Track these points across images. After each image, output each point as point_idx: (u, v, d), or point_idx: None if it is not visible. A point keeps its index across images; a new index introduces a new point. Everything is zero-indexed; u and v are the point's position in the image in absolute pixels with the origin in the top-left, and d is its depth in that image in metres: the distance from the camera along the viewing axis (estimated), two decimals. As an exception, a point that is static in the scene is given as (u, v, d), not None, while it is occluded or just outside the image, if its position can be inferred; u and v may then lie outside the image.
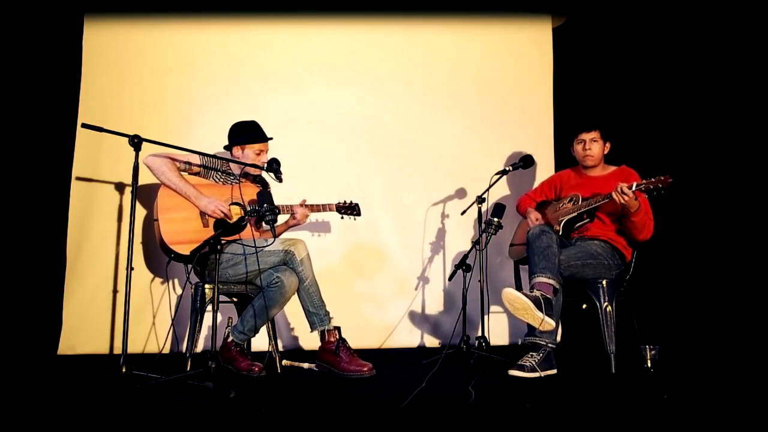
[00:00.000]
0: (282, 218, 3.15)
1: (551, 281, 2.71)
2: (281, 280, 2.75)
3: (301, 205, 3.07)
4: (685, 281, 3.77)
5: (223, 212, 2.85)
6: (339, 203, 3.19)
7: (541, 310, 2.59)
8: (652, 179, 2.68)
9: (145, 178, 2.89)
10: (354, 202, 3.21)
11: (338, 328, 2.84)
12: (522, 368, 2.71)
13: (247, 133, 3.03)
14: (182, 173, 2.94)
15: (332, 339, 2.80)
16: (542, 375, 2.69)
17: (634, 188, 2.72)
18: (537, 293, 2.65)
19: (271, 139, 3.09)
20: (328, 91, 3.89)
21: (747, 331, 3.49)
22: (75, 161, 3.53)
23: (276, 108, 3.75)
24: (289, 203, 3.07)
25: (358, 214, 3.22)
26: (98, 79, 3.63)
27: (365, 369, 2.70)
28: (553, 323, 2.62)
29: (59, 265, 3.45)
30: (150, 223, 3.45)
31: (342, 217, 3.23)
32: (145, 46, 3.73)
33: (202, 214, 2.89)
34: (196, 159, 2.97)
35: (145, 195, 3.42)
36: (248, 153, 3.01)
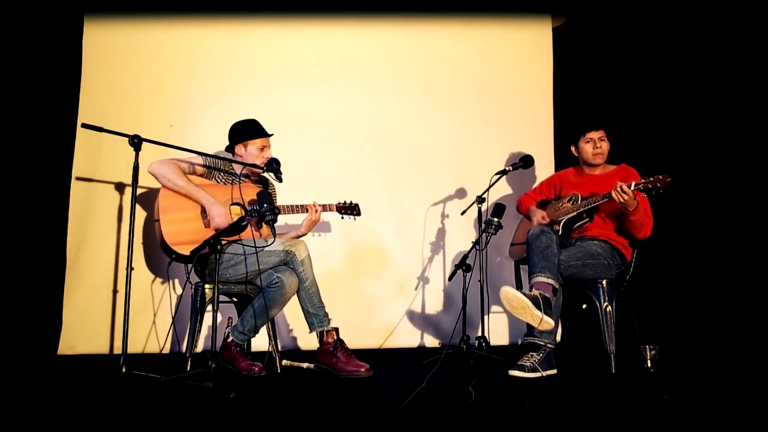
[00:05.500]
0: (299, 218, 3.14)
1: (550, 281, 2.71)
2: (281, 280, 2.75)
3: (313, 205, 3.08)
4: (685, 281, 3.77)
5: (219, 228, 2.81)
6: (339, 203, 3.19)
7: (540, 309, 2.59)
8: (651, 178, 2.69)
9: (145, 179, 2.89)
10: (354, 202, 3.22)
11: (336, 329, 2.83)
12: (522, 368, 2.72)
13: (248, 129, 3.04)
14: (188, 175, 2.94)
15: (330, 340, 2.80)
16: (543, 375, 2.70)
17: (632, 187, 2.73)
18: (535, 292, 2.65)
19: (272, 135, 3.09)
20: (328, 92, 3.90)
21: (747, 330, 3.49)
22: (75, 161, 3.53)
23: (276, 108, 3.74)
24: (294, 203, 3.08)
25: (358, 214, 3.23)
26: (98, 79, 3.63)
27: (362, 370, 2.70)
28: (552, 322, 2.62)
29: (59, 265, 3.45)
30: (150, 223, 3.45)
31: (342, 217, 3.23)
32: (145, 46, 3.73)
33: (204, 213, 2.88)
34: (199, 160, 2.97)
35: (145, 196, 3.42)
36: (251, 149, 3.01)
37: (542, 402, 2.27)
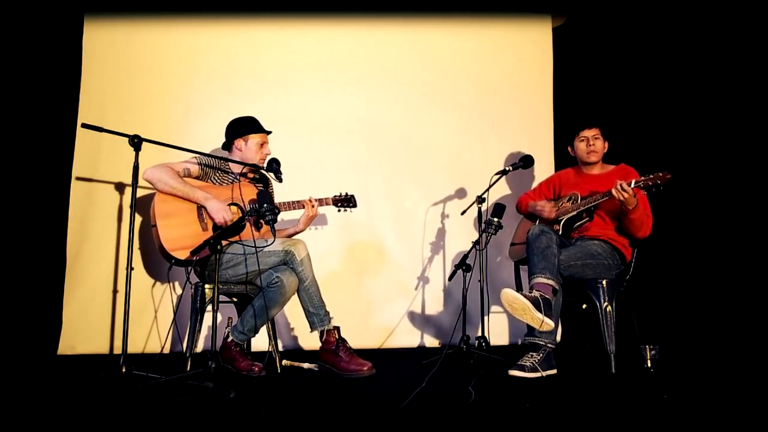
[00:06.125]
0: (297, 214, 3.16)
1: (550, 282, 2.71)
2: (281, 280, 2.75)
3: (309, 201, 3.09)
4: (685, 281, 3.77)
5: (226, 221, 2.81)
6: (335, 196, 3.21)
7: (540, 311, 2.59)
8: (651, 176, 2.70)
9: (143, 182, 2.88)
10: (350, 194, 3.22)
11: (337, 328, 2.83)
12: (522, 368, 2.72)
13: (249, 124, 3.04)
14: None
15: (332, 339, 2.80)
16: (543, 375, 2.70)
17: (633, 185, 2.73)
18: (536, 294, 2.65)
19: (271, 132, 3.10)
20: (327, 91, 3.90)
21: (747, 330, 3.49)
22: (75, 161, 3.53)
23: (276, 108, 3.74)
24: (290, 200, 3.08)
25: (354, 205, 3.23)
26: (98, 79, 3.63)
27: (365, 368, 2.70)
28: (552, 324, 2.62)
29: (59, 265, 3.45)
30: (148, 227, 3.44)
31: (339, 210, 3.23)
32: (145, 46, 3.73)
33: (200, 217, 2.88)
34: (194, 162, 2.97)
35: (146, 197, 3.41)
36: (251, 145, 3.01)
37: (542, 402, 2.27)
